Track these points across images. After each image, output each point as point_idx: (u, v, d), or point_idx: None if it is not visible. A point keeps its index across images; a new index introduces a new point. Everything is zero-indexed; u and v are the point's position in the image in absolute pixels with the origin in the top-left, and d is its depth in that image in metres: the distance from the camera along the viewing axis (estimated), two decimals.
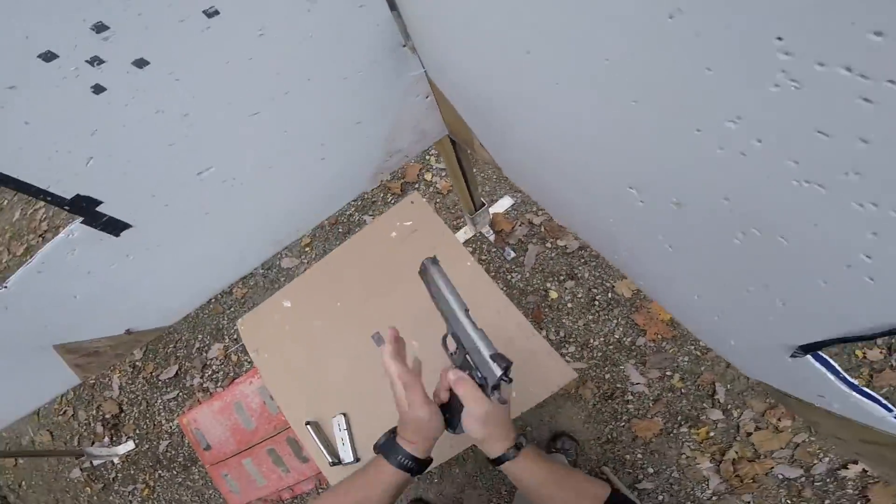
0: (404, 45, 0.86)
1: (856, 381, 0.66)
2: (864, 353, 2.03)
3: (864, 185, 0.36)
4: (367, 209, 2.49)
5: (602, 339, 2.12)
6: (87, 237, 0.80)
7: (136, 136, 0.71)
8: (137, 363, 2.76)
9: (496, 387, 0.72)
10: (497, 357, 0.72)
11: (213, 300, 2.62)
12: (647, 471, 1.96)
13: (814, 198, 0.40)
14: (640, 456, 2.00)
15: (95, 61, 0.58)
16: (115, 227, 0.81)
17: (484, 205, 1.95)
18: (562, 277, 2.17)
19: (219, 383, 2.56)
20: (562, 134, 0.71)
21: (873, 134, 0.31)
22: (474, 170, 2.12)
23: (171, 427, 2.62)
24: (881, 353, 2.02)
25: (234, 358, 2.55)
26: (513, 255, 2.22)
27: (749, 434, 1.92)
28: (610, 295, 2.11)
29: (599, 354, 2.12)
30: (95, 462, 2.67)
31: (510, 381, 0.71)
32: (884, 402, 0.65)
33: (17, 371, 1.06)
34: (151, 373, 2.71)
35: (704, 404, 2.04)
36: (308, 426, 1.16)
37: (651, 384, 2.08)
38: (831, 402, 0.74)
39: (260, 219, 1.08)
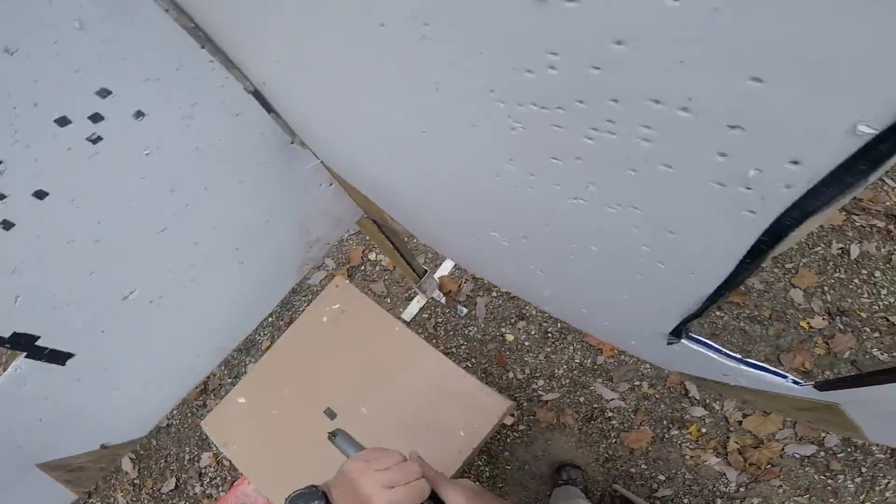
0: (292, 143, 0.94)
1: (737, 355, 0.71)
2: (808, 324, 2.11)
3: (603, 192, 0.43)
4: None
5: (565, 366, 2.15)
6: (35, 369, 0.80)
7: (55, 268, 0.73)
8: (135, 480, 2.61)
9: None
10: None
11: (189, 413, 2.54)
12: (659, 478, 1.94)
13: (583, 209, 0.48)
14: (644, 466, 1.99)
15: None
16: (58, 357, 0.82)
17: (426, 272, 2.01)
18: (513, 320, 2.22)
19: (220, 488, 2.44)
20: (441, 197, 0.79)
21: (581, 151, 0.39)
22: (412, 239, 2.21)
23: None
24: (823, 319, 2.10)
25: (226, 462, 2.45)
26: (465, 311, 2.27)
27: (739, 422, 1.93)
28: (559, 325, 2.17)
29: (567, 381, 2.14)
30: None
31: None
32: (774, 370, 0.70)
33: (12, 490, 1.01)
34: (152, 487, 2.57)
35: (683, 404, 2.06)
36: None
37: (624, 397, 2.10)
38: (736, 378, 0.79)
39: (200, 329, 1.10)
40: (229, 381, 2.56)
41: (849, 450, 1.82)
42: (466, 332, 2.28)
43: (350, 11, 0.46)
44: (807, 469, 1.83)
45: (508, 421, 2.13)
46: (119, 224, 0.77)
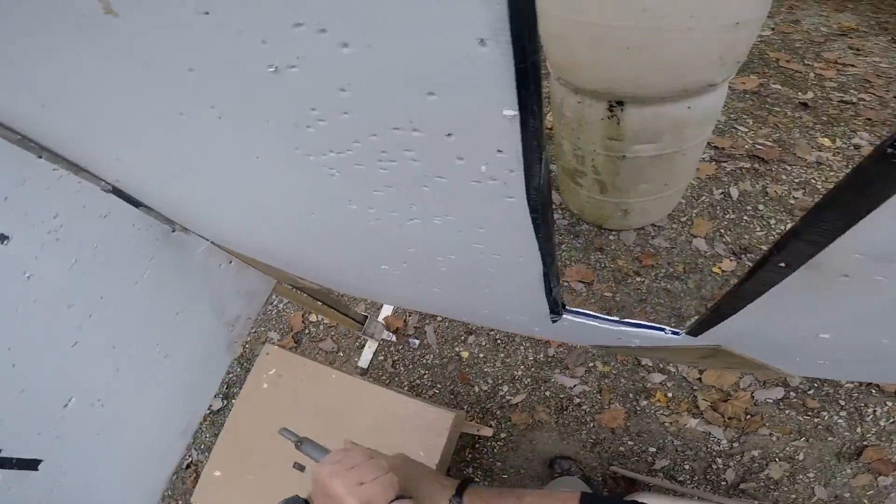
0: (174, 231, 0.95)
1: (614, 318, 0.77)
2: (720, 269, 2.26)
3: (423, 209, 0.48)
4: None
5: (522, 367, 2.18)
6: (12, 477, 0.79)
7: None
8: None
9: None
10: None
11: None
12: (650, 451, 1.93)
13: (421, 226, 0.52)
14: (631, 443, 1.99)
15: None
16: (28, 464, 0.82)
17: (366, 317, 2.02)
18: (463, 337, 2.24)
19: None
20: (323, 247, 0.82)
21: (386, 180, 0.44)
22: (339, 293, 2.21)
23: None
24: (731, 261, 2.26)
25: None
26: (417, 342, 2.28)
27: (699, 379, 1.97)
28: (503, 331, 2.22)
29: (529, 380, 2.17)
30: None
31: None
32: (651, 325, 0.76)
33: None
34: None
35: (640, 373, 2.11)
36: None
37: (585, 380, 2.15)
38: (630, 339, 0.84)
39: (152, 420, 1.08)
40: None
41: (816, 385, 1.84)
42: (424, 361, 2.29)
43: (154, 108, 0.49)
44: (787, 412, 1.83)
45: (488, 432, 2.12)
46: (28, 347, 0.77)
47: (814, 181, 2.44)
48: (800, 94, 2.92)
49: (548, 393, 2.16)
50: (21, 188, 0.72)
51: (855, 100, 2.82)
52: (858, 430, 1.79)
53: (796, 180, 2.45)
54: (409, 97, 0.32)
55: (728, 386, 1.92)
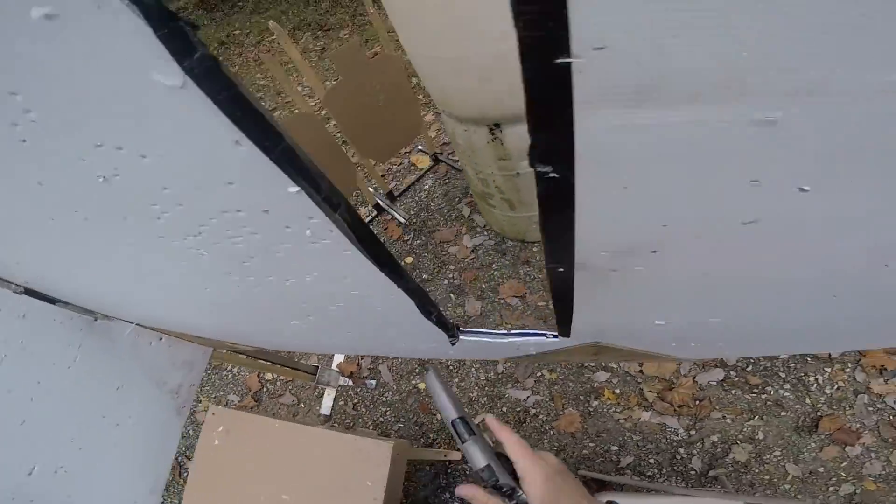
0: (96, 319, 0.94)
1: (502, 330, 0.81)
2: None
3: (289, 268, 0.51)
4: None
5: (476, 388, 2.19)
6: None
7: None
8: None
9: (507, 494, 0.56)
10: (485, 470, 0.57)
11: None
12: (613, 450, 1.87)
13: (301, 283, 0.55)
14: (593, 445, 1.95)
15: None
16: None
17: (318, 367, 1.99)
18: (417, 370, 2.24)
19: None
20: (236, 315, 0.83)
21: (245, 251, 0.47)
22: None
23: None
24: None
25: None
26: (374, 382, 2.25)
27: (640, 371, 1.92)
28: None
29: (485, 399, 2.18)
30: None
31: (497, 484, 0.54)
32: (535, 332, 0.80)
33: None
34: None
35: (586, 375, 2.12)
36: None
37: (536, 390, 2.16)
38: (526, 349, 0.88)
39: (116, 484, 1.08)
40: None
41: (752, 361, 1.78)
42: (384, 399, 2.26)
43: (26, 215, 0.51)
44: (734, 392, 1.76)
45: (456, 456, 2.09)
46: None
47: None
48: None
49: (504, 408, 2.17)
50: None
51: None
52: (807, 400, 1.71)
53: None
54: (215, 188, 0.36)
55: (670, 374, 1.87)
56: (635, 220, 0.31)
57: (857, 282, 0.40)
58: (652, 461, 1.82)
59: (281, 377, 2.32)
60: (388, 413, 2.22)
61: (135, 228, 0.49)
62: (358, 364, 2.27)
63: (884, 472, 1.57)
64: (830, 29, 0.16)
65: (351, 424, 2.19)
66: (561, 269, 0.42)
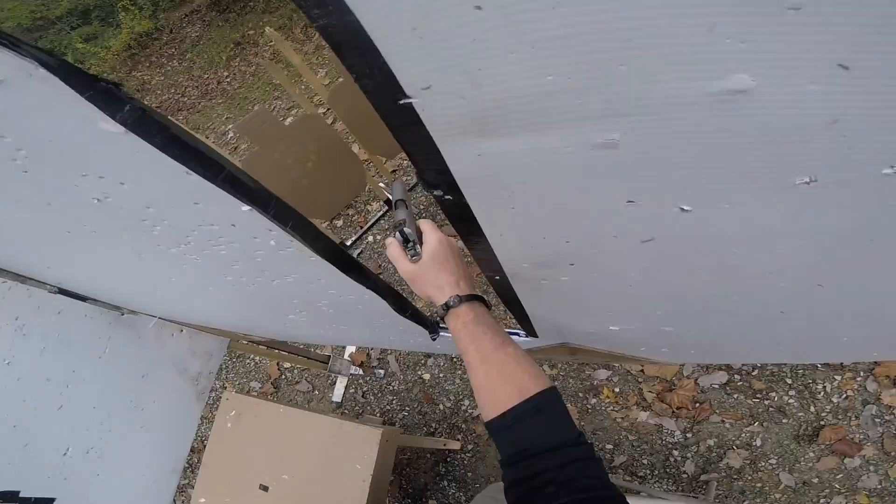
0: (122, 314, 0.99)
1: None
2: None
3: (274, 271, 0.54)
4: None
5: None
6: None
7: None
8: None
9: (406, 241, 0.58)
10: (400, 223, 0.59)
11: None
12: (608, 448, 1.77)
13: (290, 283, 0.58)
14: (589, 441, 1.94)
15: None
16: (44, 503, 0.89)
17: (330, 357, 2.03)
18: (423, 361, 2.27)
19: None
20: (242, 312, 0.87)
21: (230, 258, 0.50)
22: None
23: None
24: None
25: None
26: (382, 372, 2.29)
27: (642, 371, 1.79)
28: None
29: None
30: None
31: (403, 234, 0.57)
32: (514, 331, 0.81)
33: None
34: None
35: (587, 372, 2.06)
36: None
37: None
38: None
39: (141, 463, 1.14)
40: None
41: (759, 366, 1.65)
42: (391, 388, 2.29)
43: (46, 229, 0.55)
44: (735, 396, 1.62)
45: (456, 446, 2.10)
46: (22, 412, 0.86)
47: None
48: None
49: None
50: None
51: None
52: (812, 409, 1.57)
53: None
54: (187, 207, 0.39)
55: (671, 375, 1.73)
56: (536, 235, 0.32)
57: (791, 296, 0.40)
58: (645, 462, 1.72)
59: (297, 366, 2.38)
60: (394, 402, 2.25)
61: (135, 239, 0.52)
62: (368, 354, 2.31)
63: (879, 487, 1.44)
64: (636, 44, 0.17)
65: (360, 411, 2.23)
66: (497, 277, 0.44)
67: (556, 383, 2.22)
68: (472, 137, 0.22)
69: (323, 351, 2.25)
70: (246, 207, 0.36)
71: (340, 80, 1.99)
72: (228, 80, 4.24)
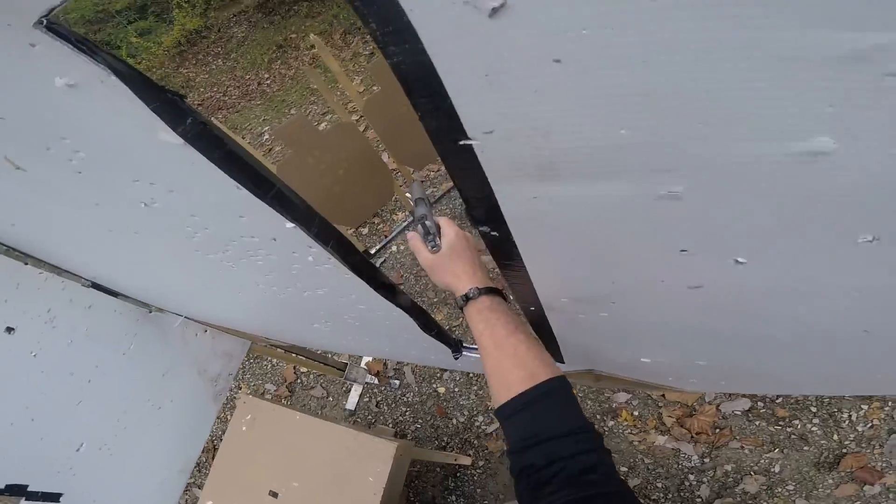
0: (150, 311, 1.02)
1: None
2: None
3: (306, 282, 0.54)
4: None
5: None
6: None
7: (12, 442, 0.84)
8: None
9: (426, 233, 0.60)
10: (421, 218, 0.62)
11: None
12: (622, 471, 1.75)
13: (322, 295, 0.58)
14: None
15: None
16: (51, 497, 0.90)
17: (347, 364, 2.05)
18: (438, 374, 2.26)
19: None
20: (267, 317, 0.89)
21: (262, 268, 0.51)
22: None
23: None
24: None
25: None
26: (397, 383, 2.29)
27: (663, 396, 1.79)
28: None
29: None
30: None
31: (425, 227, 0.60)
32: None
33: None
34: None
35: (606, 394, 2.03)
36: None
37: None
38: None
39: (151, 462, 1.15)
40: None
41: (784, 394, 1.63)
42: (405, 399, 2.28)
43: (90, 227, 0.57)
44: (757, 423, 1.61)
45: (467, 461, 2.08)
46: (42, 405, 0.87)
47: None
48: None
49: None
50: (16, 291, 0.81)
51: None
52: (835, 437, 1.57)
53: None
54: (231, 218, 0.40)
55: (693, 401, 1.73)
56: (581, 276, 0.32)
57: (836, 340, 0.39)
58: (659, 485, 1.71)
59: (314, 371, 2.40)
60: (407, 413, 2.24)
61: (175, 242, 0.54)
62: (385, 364, 2.31)
63: None
64: (715, 99, 0.16)
65: (372, 421, 2.23)
66: (532, 308, 0.43)
67: None
68: (530, 181, 0.22)
69: (340, 358, 2.26)
70: (290, 224, 0.36)
71: (376, 88, 2.01)
72: (268, 81, 4.37)
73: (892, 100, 0.15)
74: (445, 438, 2.22)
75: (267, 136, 3.84)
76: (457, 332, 2.27)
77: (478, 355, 0.84)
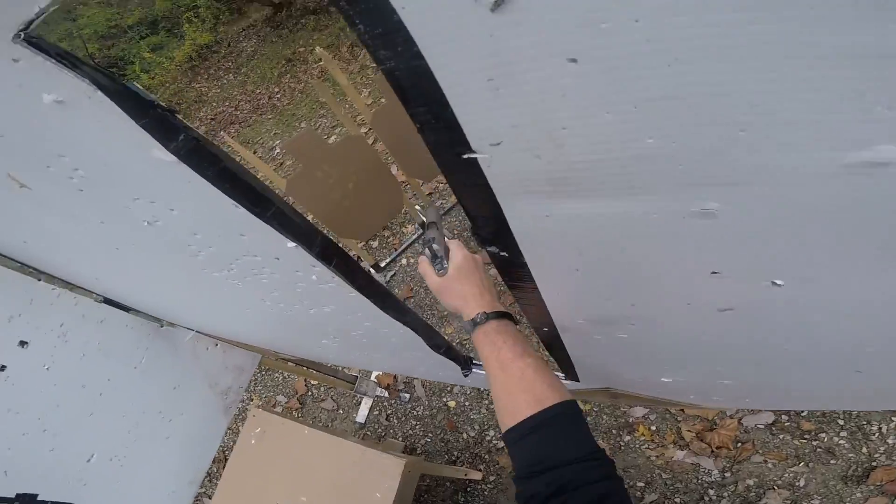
0: (161, 326, 1.01)
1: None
2: None
3: (309, 300, 0.53)
4: None
5: None
6: None
7: (23, 451, 0.83)
8: None
9: (434, 257, 0.61)
10: (430, 240, 0.63)
11: None
12: (639, 486, 1.69)
13: (326, 313, 0.56)
14: None
15: None
16: None
17: (357, 377, 2.02)
18: (449, 388, 2.22)
19: None
20: (272, 333, 0.87)
21: (269, 287, 0.49)
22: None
23: None
24: None
25: None
26: (407, 396, 2.25)
27: (682, 410, 1.74)
28: None
29: None
30: None
31: (432, 250, 0.61)
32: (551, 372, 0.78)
33: None
34: None
35: (622, 408, 1.98)
36: None
37: None
38: None
39: (161, 474, 1.14)
40: None
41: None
42: (415, 413, 2.24)
43: (97, 244, 0.56)
44: (781, 437, 1.56)
45: (477, 476, 2.03)
46: (53, 417, 0.87)
47: None
48: None
49: None
50: (30, 306, 0.82)
51: None
52: (864, 450, 1.50)
53: None
54: (233, 237, 0.38)
55: (713, 415, 1.68)
56: (599, 298, 0.29)
57: (874, 358, 0.36)
58: (678, 500, 1.66)
59: (324, 384, 2.38)
60: (417, 427, 2.20)
61: (181, 260, 0.53)
62: (395, 377, 2.28)
63: None
64: (753, 104, 0.14)
65: (382, 434, 2.20)
66: (545, 329, 0.41)
67: (588, 419, 2.12)
68: (542, 198, 0.19)
69: (350, 371, 2.24)
70: (292, 244, 0.35)
71: (383, 100, 2.01)
72: (279, 95, 4.42)
73: None
74: (456, 453, 2.17)
75: (278, 150, 3.88)
76: (468, 347, 2.23)
77: (479, 371, 0.81)
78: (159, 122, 0.24)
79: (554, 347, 0.47)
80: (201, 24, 5.09)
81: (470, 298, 0.53)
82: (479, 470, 2.07)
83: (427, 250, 0.62)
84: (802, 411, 1.60)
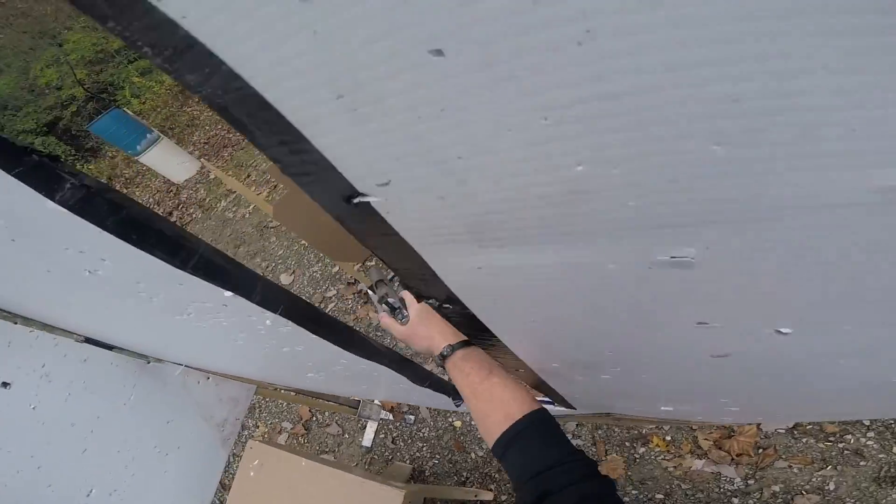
0: (148, 362, 0.97)
1: None
2: None
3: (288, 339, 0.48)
4: None
5: None
6: None
7: (22, 490, 0.80)
8: None
9: (393, 309, 0.63)
10: (384, 296, 0.65)
11: None
12: (657, 498, 1.62)
13: (298, 353, 0.52)
14: (636, 492, 1.67)
15: None
16: None
17: (360, 402, 1.97)
18: (453, 407, 2.15)
19: None
20: (265, 367, 0.83)
21: (237, 327, 0.45)
22: None
23: None
24: None
25: None
26: (412, 418, 2.19)
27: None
28: None
29: None
30: None
31: (389, 304, 0.63)
32: (546, 400, 0.72)
33: None
34: None
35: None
36: None
37: (578, 434, 1.97)
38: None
39: None
40: None
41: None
42: (421, 434, 2.17)
43: (57, 292, 0.53)
44: (805, 441, 1.50)
45: (488, 496, 1.95)
46: (46, 454, 0.84)
47: None
48: None
49: None
50: (8, 348, 0.78)
51: None
52: (895, 450, 1.44)
53: None
54: (173, 286, 0.34)
55: (731, 421, 1.70)
56: (568, 344, 0.25)
57: (886, 375, 0.31)
58: None
59: (328, 409, 2.32)
60: (424, 448, 2.12)
61: (139, 306, 0.49)
62: None
63: None
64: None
65: (389, 457, 2.12)
66: (521, 371, 0.36)
67: (600, 432, 2.03)
68: (467, 248, 0.15)
69: (352, 396, 2.18)
70: (229, 293, 0.31)
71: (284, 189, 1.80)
72: None
73: None
74: (465, 473, 2.10)
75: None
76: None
77: None
78: (36, 170, 0.20)
79: (538, 386, 0.43)
80: None
81: (436, 336, 0.55)
82: (490, 490, 1.98)
83: (383, 306, 0.64)
84: None
